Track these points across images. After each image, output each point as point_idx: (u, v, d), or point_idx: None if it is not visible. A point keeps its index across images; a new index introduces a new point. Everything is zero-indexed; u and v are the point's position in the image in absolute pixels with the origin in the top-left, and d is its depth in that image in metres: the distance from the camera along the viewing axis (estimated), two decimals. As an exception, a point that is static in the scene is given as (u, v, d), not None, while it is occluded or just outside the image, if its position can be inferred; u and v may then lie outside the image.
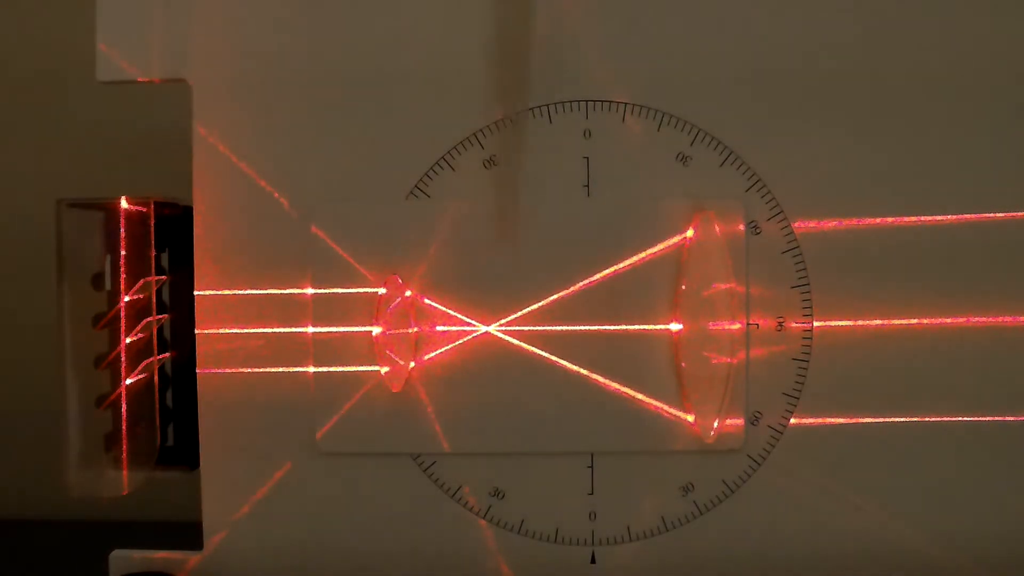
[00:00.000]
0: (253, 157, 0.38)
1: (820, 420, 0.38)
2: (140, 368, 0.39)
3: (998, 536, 0.38)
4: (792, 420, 0.38)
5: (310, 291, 0.38)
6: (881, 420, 0.38)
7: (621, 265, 0.38)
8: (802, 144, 0.38)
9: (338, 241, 0.38)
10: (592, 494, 0.39)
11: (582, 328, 0.38)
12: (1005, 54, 0.38)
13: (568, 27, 0.38)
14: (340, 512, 0.39)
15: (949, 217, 0.38)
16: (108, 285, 0.38)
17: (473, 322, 0.38)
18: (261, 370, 0.39)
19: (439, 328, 0.38)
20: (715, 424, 0.37)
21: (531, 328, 0.38)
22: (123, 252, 0.38)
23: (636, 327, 0.38)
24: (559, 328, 0.38)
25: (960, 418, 0.38)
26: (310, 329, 0.38)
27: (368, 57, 0.38)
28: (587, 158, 0.38)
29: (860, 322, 0.38)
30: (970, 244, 0.38)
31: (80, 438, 0.38)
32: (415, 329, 0.38)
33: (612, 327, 0.38)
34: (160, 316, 0.40)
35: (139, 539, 0.40)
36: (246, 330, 0.39)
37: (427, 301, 0.38)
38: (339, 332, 0.38)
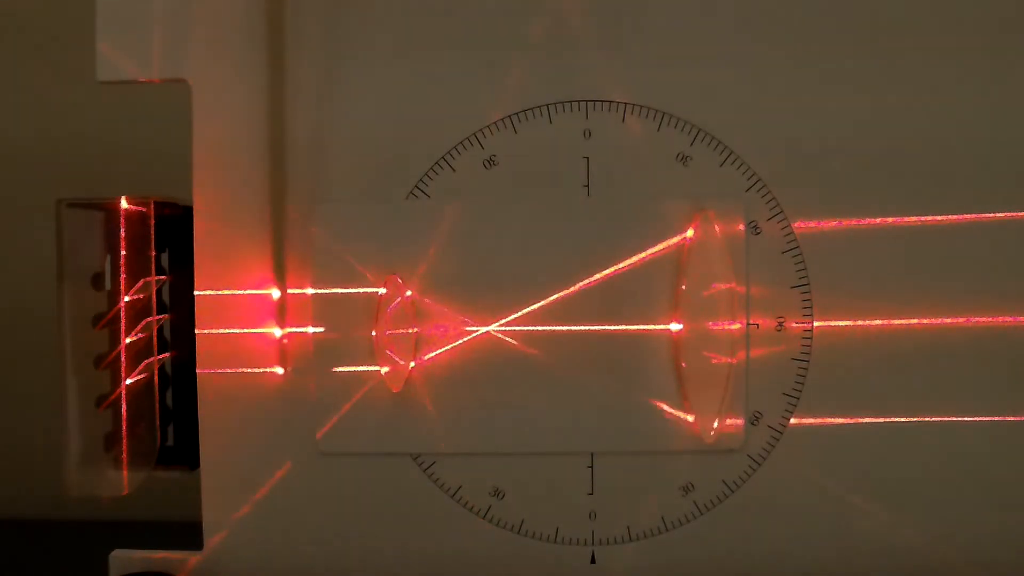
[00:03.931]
0: (253, 157, 0.38)
1: (820, 420, 0.38)
2: (140, 368, 0.39)
3: (998, 536, 0.38)
4: (792, 420, 0.38)
5: (310, 291, 0.38)
6: (881, 420, 0.38)
7: (621, 265, 0.38)
8: (802, 144, 0.38)
9: (338, 241, 0.38)
10: (592, 494, 0.39)
11: (582, 328, 0.38)
12: (1006, 54, 0.38)
13: (568, 27, 0.38)
14: (340, 512, 0.39)
15: (949, 217, 0.38)
16: (108, 285, 0.38)
17: (473, 322, 0.38)
18: (261, 370, 0.39)
19: (439, 328, 0.38)
20: (715, 424, 0.37)
21: (531, 328, 0.38)
22: (123, 252, 0.38)
23: (636, 327, 0.38)
24: (559, 328, 0.38)
25: (960, 418, 0.38)
26: (310, 329, 0.38)
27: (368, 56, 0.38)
28: (587, 158, 0.38)
29: (860, 322, 0.38)
30: (970, 244, 0.38)
31: (80, 438, 0.38)
32: (415, 329, 0.38)
33: (612, 327, 0.38)
34: (160, 316, 0.40)
35: (139, 539, 0.40)
36: (246, 330, 0.39)
37: (427, 301, 0.38)
38: (339, 332, 0.38)
